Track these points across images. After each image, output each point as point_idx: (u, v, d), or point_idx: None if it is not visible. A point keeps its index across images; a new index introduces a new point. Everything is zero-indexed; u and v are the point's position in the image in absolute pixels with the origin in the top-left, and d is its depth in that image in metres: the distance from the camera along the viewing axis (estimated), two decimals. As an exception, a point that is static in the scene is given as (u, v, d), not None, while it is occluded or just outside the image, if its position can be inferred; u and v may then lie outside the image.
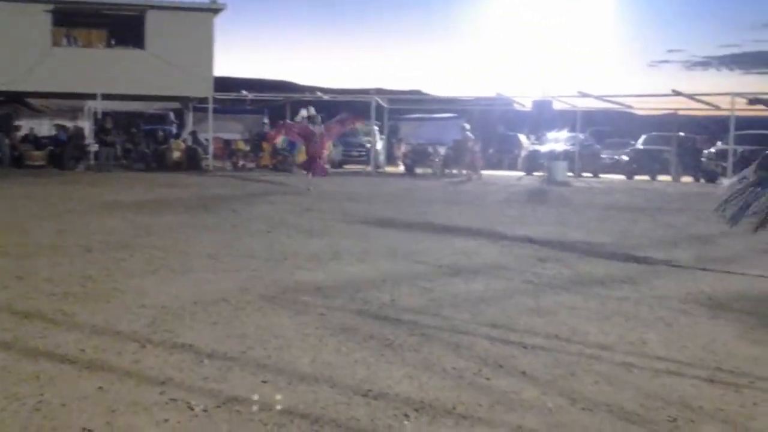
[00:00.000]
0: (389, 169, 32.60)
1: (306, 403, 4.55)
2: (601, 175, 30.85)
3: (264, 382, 4.91)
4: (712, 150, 28.72)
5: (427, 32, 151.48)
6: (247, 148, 31.79)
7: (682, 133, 30.10)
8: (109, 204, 15.73)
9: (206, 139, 30.97)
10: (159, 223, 12.57)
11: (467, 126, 28.68)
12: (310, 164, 20.84)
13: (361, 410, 4.48)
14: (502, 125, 30.99)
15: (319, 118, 21.43)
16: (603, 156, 32.83)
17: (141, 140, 31.13)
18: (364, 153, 32.02)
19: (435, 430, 4.25)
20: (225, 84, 39.24)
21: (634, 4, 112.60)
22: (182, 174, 26.45)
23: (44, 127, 31.36)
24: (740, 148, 25.90)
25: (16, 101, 30.76)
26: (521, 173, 29.69)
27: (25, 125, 30.75)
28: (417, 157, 30.55)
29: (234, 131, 33.11)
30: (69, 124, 30.80)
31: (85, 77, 28.77)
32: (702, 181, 28.05)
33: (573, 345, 5.95)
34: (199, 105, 32.45)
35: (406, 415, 4.41)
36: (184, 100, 32.48)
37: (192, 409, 4.37)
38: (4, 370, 4.99)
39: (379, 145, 32.61)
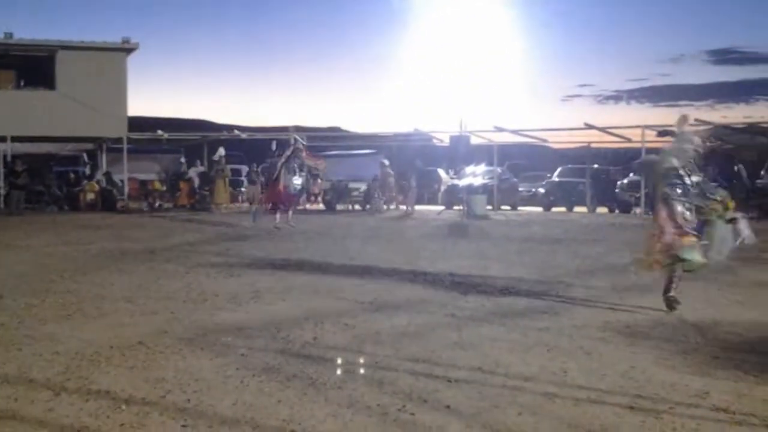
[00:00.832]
0: (308, 206, 32.51)
1: (228, 447, 4.45)
2: (519, 208, 31.36)
3: (184, 426, 4.79)
4: (625, 181, 29.50)
5: (346, 69, 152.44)
6: (164, 188, 31.31)
7: (596, 165, 30.86)
8: (20, 248, 15.24)
9: (121, 180, 30.39)
10: (72, 267, 12.21)
11: (386, 162, 28.84)
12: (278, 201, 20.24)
13: (285, 452, 4.40)
14: (421, 160, 31.21)
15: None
16: (520, 189, 33.39)
17: (53, 182, 30.35)
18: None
19: (360, 469, 4.20)
20: (140, 123, 38.68)
21: (544, 40, 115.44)
22: (97, 215, 25.86)
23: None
24: (652, 179, 26.65)
25: None
26: (441, 207, 29.96)
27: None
28: (337, 194, 30.58)
29: (150, 171, 32.55)
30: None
31: (-6, 119, 28.03)
32: (617, 211, 28.75)
33: (496, 377, 5.97)
34: (113, 145, 31.88)
35: (331, 455, 4.35)
36: (97, 140, 31.90)
37: (108, 459, 4.22)
38: None
39: (299, 181, 32.49)
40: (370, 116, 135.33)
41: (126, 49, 31.01)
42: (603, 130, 30.28)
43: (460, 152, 29.38)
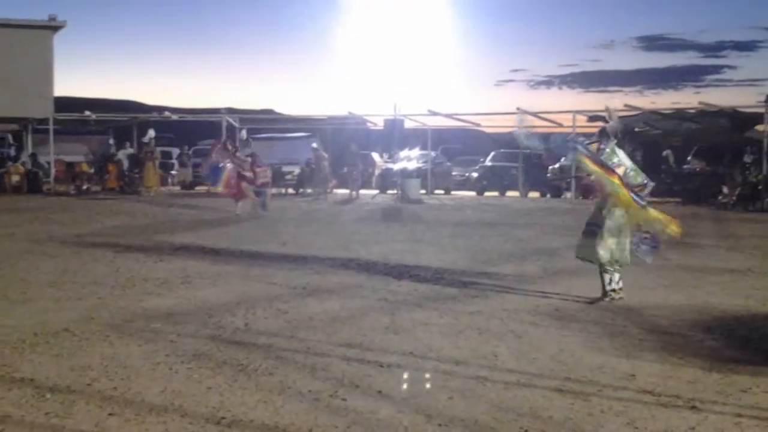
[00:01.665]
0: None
1: (156, 435, 4.38)
2: (453, 192, 31.54)
3: (111, 414, 4.69)
4: (557, 166, 29.85)
5: (280, 51, 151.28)
6: (92, 170, 30.60)
7: (528, 150, 31.18)
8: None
9: (47, 162, 29.63)
10: (-4, 251, 11.88)
11: (315, 145, 28.48)
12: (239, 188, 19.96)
13: (214, 439, 4.34)
14: (355, 144, 31.10)
15: (250, 142, 20.96)
16: (454, 173, 33.56)
17: (-24, 165, 29.45)
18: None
19: (291, 455, 4.17)
20: (67, 104, 37.72)
21: (478, 25, 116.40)
22: (22, 198, 25.20)
23: None
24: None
25: None
26: (375, 191, 29.95)
27: None
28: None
29: (77, 153, 31.75)
30: None
31: None
32: (548, 196, 29.13)
33: (428, 361, 5.99)
34: (39, 126, 31.03)
35: (261, 442, 4.31)
36: (22, 121, 31.00)
37: (31, 449, 4.11)
38: None
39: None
40: (305, 99, 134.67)
41: (52, 26, 30.15)
42: (535, 114, 30.61)
43: (394, 136, 29.39)
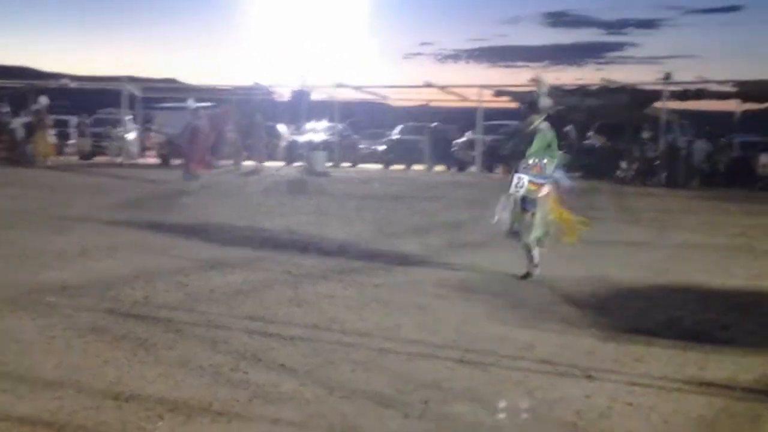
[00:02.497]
0: (142, 160, 31.39)
1: (50, 410, 4.26)
2: (360, 165, 31.54)
3: (3, 391, 4.53)
4: (462, 140, 30.15)
5: (182, 19, 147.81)
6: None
7: (435, 124, 31.37)
8: None
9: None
10: None
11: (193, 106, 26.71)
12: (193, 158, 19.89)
13: (111, 414, 4.24)
14: (261, 115, 30.67)
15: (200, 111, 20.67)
16: (361, 146, 33.52)
17: None
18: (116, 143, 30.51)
19: (190, 429, 4.10)
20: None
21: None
22: None
23: None
24: (488, 138, 27.38)
25: None
26: (281, 164, 29.68)
27: None
28: (172, 148, 29.55)
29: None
30: None
31: None
32: (453, 169, 29.42)
33: (331, 334, 5.99)
34: None
35: (160, 416, 4.23)
36: None
37: None
38: None
39: (132, 135, 31.29)
40: (209, 68, 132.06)
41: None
42: (442, 88, 30.83)
43: (301, 108, 29.17)
